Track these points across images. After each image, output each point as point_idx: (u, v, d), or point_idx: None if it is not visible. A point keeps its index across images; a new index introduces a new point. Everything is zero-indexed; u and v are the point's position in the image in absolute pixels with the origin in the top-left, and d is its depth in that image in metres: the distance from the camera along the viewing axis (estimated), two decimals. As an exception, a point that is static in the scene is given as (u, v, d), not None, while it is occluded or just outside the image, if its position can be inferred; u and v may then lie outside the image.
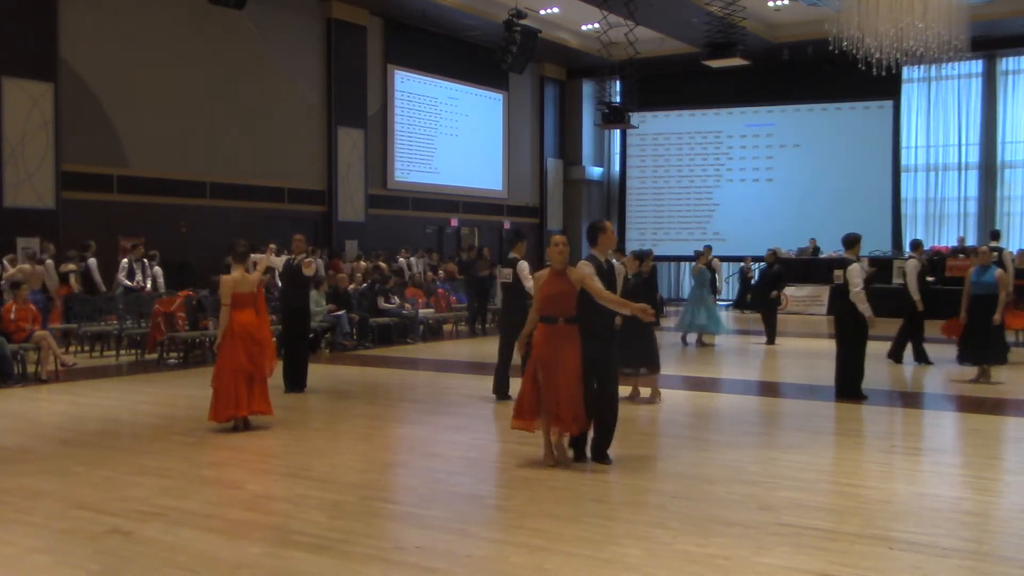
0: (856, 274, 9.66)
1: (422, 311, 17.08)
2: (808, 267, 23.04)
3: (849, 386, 9.96)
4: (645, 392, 9.83)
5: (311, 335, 12.85)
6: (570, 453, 6.93)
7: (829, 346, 15.45)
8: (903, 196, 25.61)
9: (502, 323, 10.46)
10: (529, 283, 9.25)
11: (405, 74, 23.47)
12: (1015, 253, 16.23)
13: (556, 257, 6.77)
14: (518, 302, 9.69)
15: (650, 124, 27.98)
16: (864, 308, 9.60)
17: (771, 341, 15.94)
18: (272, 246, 13.79)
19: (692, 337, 15.84)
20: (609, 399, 6.87)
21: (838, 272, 9.83)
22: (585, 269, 6.72)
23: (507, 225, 26.35)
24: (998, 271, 11.27)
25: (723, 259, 22.63)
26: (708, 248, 17.94)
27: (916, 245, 13.78)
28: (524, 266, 9.81)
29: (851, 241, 10.06)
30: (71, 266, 14.97)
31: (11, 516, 5.65)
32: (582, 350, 6.71)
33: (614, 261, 7.25)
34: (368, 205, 22.13)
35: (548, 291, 6.75)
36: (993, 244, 15.74)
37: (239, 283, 8.52)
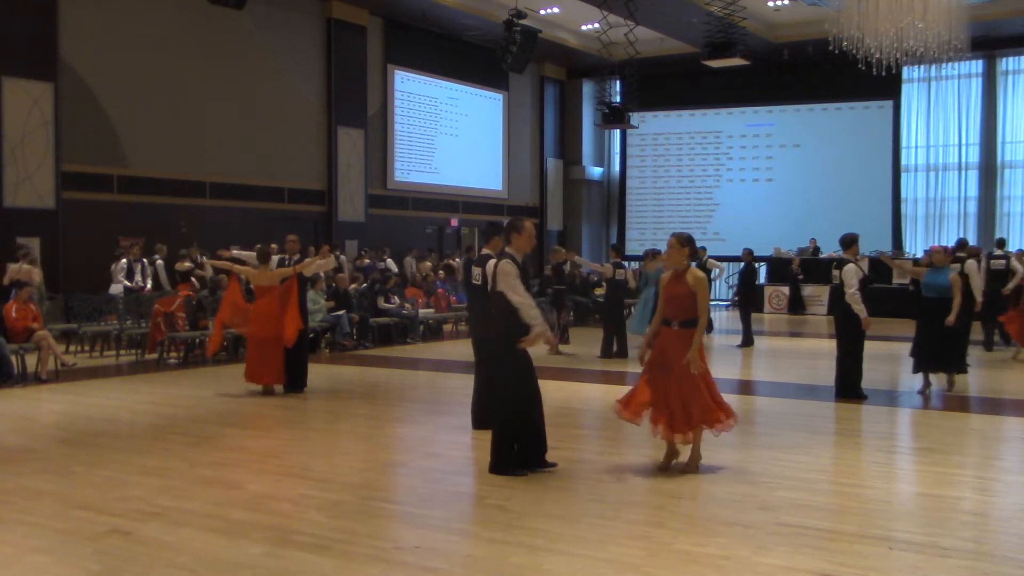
0: (852, 275, 9.63)
1: (422, 311, 17.09)
2: (808, 267, 23.03)
3: (848, 386, 9.97)
4: None
5: (311, 335, 12.87)
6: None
7: (829, 346, 15.45)
8: (903, 196, 25.61)
9: (473, 336, 8.44)
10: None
11: (405, 74, 23.46)
12: (1014, 253, 16.19)
13: (673, 258, 6.70)
14: (487, 309, 7.11)
15: (650, 124, 27.98)
16: (859, 309, 9.56)
17: (748, 343, 15.58)
18: (273, 246, 13.83)
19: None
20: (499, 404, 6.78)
21: (836, 272, 9.83)
22: (508, 269, 6.55)
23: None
24: (952, 274, 10.54)
25: (724, 259, 22.58)
26: (703, 249, 17.75)
27: (963, 244, 13.86)
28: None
29: (848, 241, 10.02)
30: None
31: (11, 516, 5.65)
32: (512, 355, 6.59)
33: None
34: (368, 205, 22.13)
35: (667, 293, 6.71)
36: (999, 252, 15.71)
37: (257, 276, 10.39)
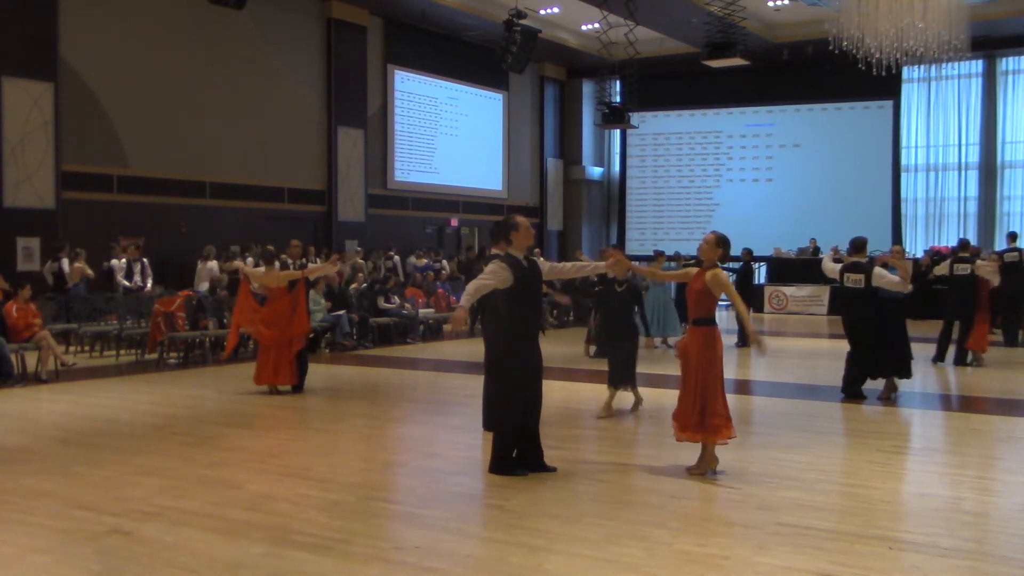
0: (882, 272, 9.65)
1: (422, 311, 17.09)
2: (808, 267, 23.02)
3: (850, 386, 9.96)
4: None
5: (311, 335, 12.88)
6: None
7: (829, 346, 15.50)
8: (903, 196, 25.62)
9: (484, 336, 8.15)
10: (471, 286, 6.58)
11: (405, 74, 23.47)
12: (992, 253, 16.19)
13: (704, 253, 6.65)
14: (494, 310, 7.22)
15: (650, 124, 27.98)
16: (903, 285, 9.45)
17: (746, 343, 15.36)
18: (271, 248, 13.88)
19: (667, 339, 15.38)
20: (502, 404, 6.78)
21: (856, 276, 9.74)
22: (487, 268, 6.55)
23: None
24: (900, 270, 10.07)
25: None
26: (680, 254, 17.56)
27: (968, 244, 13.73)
28: (488, 267, 6.78)
29: (860, 245, 9.99)
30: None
31: (11, 516, 5.65)
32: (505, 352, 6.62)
33: (539, 260, 6.97)
34: (368, 205, 22.14)
35: (688, 289, 6.70)
36: (1012, 246, 15.74)
37: (265, 278, 10.42)
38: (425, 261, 20.72)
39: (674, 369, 12.35)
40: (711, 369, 6.50)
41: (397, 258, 20.59)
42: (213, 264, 16.31)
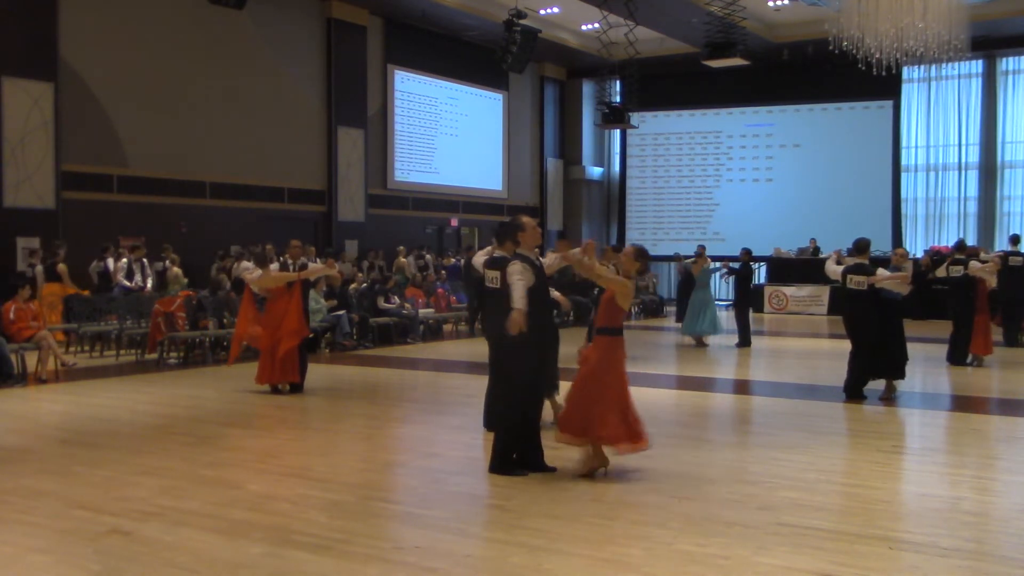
0: (884, 273, 9.80)
1: (422, 311, 17.09)
2: (808, 267, 23.02)
3: (853, 388, 9.96)
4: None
5: (310, 336, 12.87)
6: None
7: (829, 346, 15.51)
8: (903, 196, 25.61)
9: (488, 337, 7.97)
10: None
11: (405, 74, 23.47)
12: (994, 254, 16.10)
13: (624, 265, 6.75)
14: (503, 311, 6.74)
15: (650, 124, 27.97)
16: (899, 286, 9.67)
17: (745, 343, 15.59)
18: (270, 247, 13.87)
19: (705, 339, 15.79)
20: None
21: (859, 278, 9.77)
22: (510, 268, 6.58)
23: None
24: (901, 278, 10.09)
25: (723, 259, 22.55)
26: (702, 247, 17.74)
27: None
28: (509, 268, 6.76)
29: (863, 247, 9.99)
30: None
31: (11, 516, 5.65)
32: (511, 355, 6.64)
33: (540, 259, 6.96)
34: (368, 205, 22.14)
35: (601, 299, 6.75)
36: (1012, 249, 15.72)
37: (261, 280, 10.45)
38: (453, 260, 21.33)
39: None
40: (605, 378, 6.42)
41: (429, 256, 20.97)
42: (249, 264, 16.06)
